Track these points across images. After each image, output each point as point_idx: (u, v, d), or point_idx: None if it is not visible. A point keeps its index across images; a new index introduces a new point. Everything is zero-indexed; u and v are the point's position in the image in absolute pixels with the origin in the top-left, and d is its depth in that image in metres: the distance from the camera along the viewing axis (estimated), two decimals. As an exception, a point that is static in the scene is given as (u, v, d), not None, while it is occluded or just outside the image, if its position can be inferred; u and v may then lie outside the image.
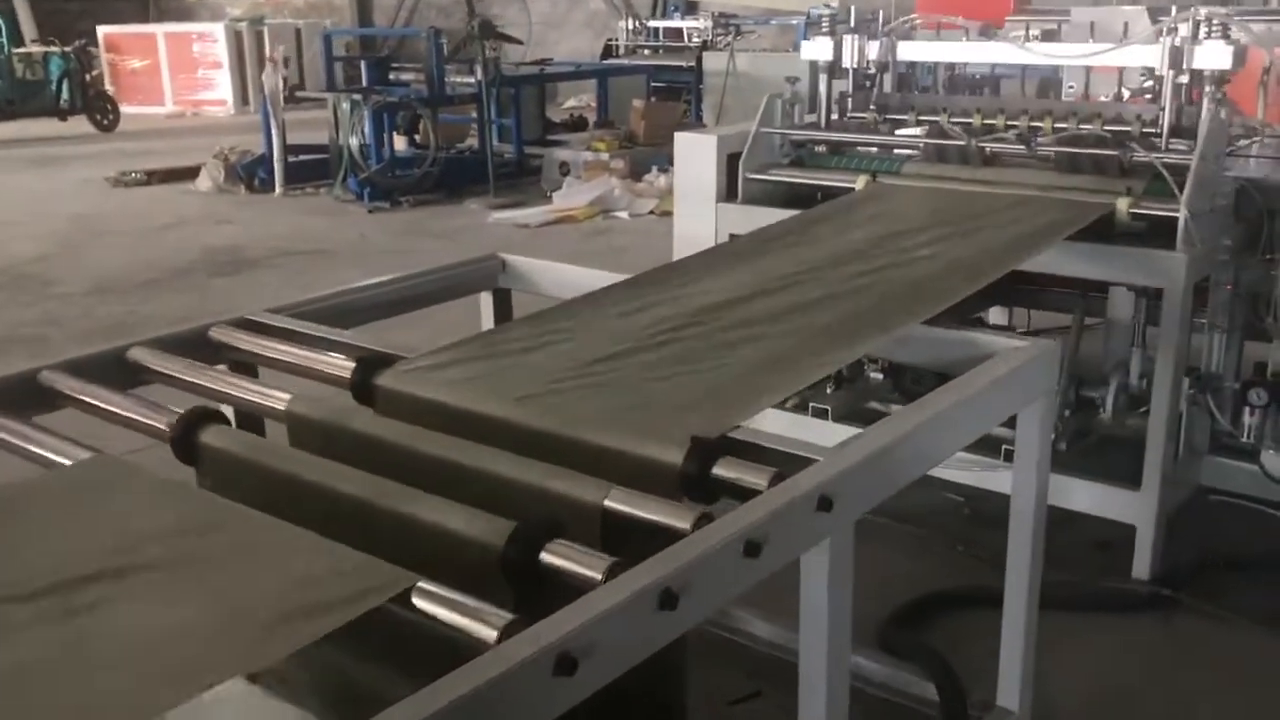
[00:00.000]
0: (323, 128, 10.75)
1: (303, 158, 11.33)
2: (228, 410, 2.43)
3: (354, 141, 10.33)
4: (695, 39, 14.61)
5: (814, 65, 4.03)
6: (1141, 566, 3.34)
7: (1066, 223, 3.07)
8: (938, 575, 3.43)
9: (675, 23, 16.32)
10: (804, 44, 4.03)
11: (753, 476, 1.77)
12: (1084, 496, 3.44)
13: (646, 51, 15.15)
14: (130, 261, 8.06)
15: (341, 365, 2.31)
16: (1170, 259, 3.10)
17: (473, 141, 11.69)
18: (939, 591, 3.23)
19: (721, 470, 1.81)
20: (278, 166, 11.03)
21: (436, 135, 10.71)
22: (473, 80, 10.75)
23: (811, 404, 3.86)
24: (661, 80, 13.69)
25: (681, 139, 4.04)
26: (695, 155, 3.96)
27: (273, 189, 11.02)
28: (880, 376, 4.06)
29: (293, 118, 11.40)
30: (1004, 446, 3.50)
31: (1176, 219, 3.09)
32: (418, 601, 1.45)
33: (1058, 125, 3.56)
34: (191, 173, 11.59)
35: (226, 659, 1.34)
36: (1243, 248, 3.42)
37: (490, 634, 1.38)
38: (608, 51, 15.69)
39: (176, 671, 1.29)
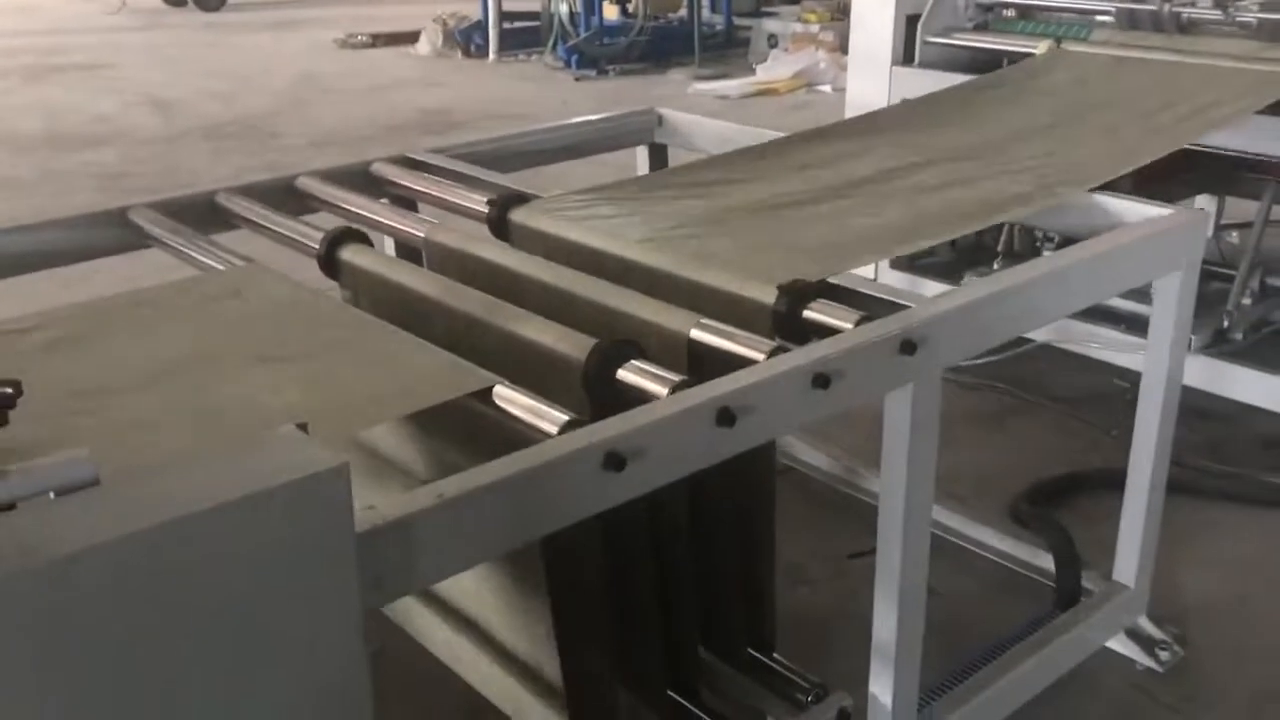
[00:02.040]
0: (539, -5, 10.93)
1: (518, 25, 11.56)
2: (386, 240, 2.63)
3: (564, 9, 10.44)
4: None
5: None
6: (1308, 466, 3.17)
7: (1255, 99, 2.87)
8: (1088, 458, 3.36)
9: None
10: (997, -100, 3.83)
11: (839, 318, 1.81)
12: (1250, 386, 3.28)
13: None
14: (348, 118, 8.51)
15: (485, 202, 2.45)
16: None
17: (685, 12, 11.61)
18: (1078, 471, 3.17)
19: (812, 313, 1.86)
20: (492, 33, 11.29)
21: (646, 4, 10.68)
22: (683, -52, 10.62)
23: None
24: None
25: (859, -1, 3.95)
26: (872, 14, 3.86)
27: (487, 55, 11.31)
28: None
29: (513, -15, 11.64)
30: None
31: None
32: (498, 399, 1.58)
33: (1270, -11, 3.29)
34: (412, 37, 12.01)
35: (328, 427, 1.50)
36: None
37: (552, 429, 1.50)
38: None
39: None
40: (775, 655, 2.07)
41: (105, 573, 0.97)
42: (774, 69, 9.70)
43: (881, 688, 2.01)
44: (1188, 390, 3.48)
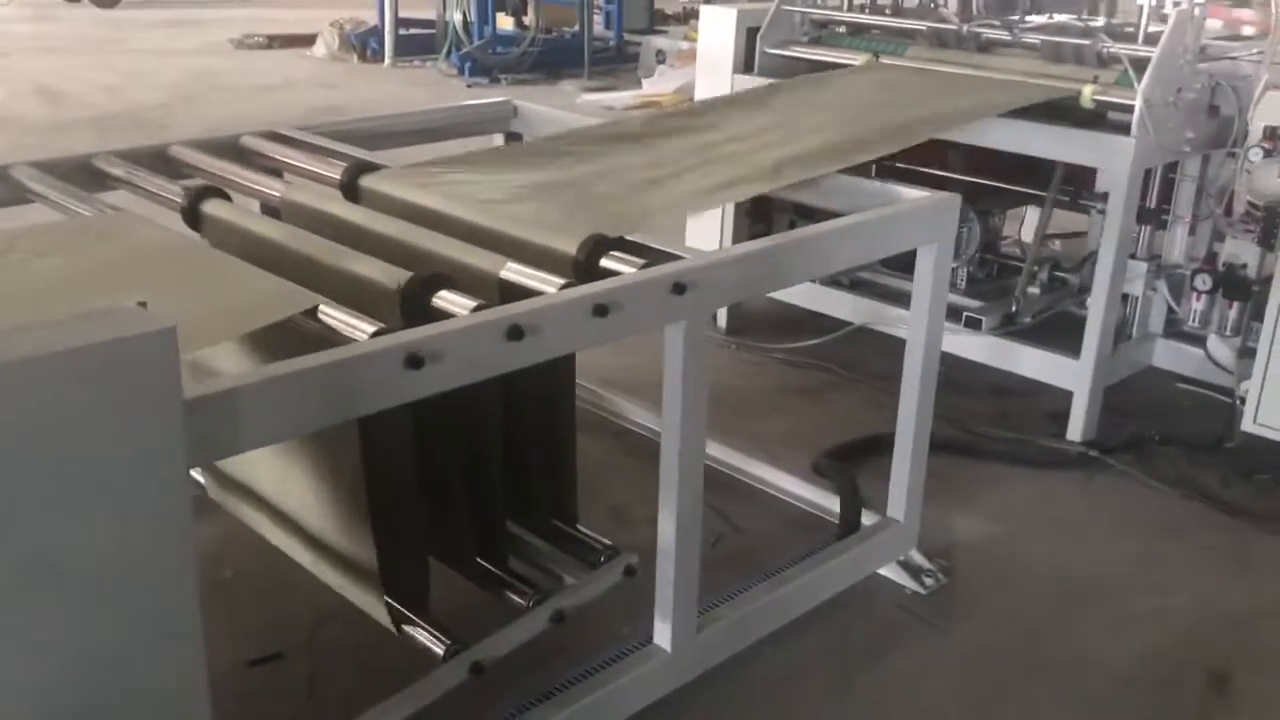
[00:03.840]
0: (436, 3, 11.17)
1: (414, 31, 11.80)
2: (253, 203, 2.90)
3: (458, 17, 10.72)
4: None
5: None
6: (1075, 430, 3.62)
7: (1021, 98, 3.33)
8: (891, 426, 3.76)
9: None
10: (830, -72, 4.26)
11: (627, 266, 2.16)
12: (1031, 362, 3.74)
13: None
14: (237, 114, 8.65)
15: (341, 171, 2.74)
16: (1119, 143, 3.32)
17: (578, 26, 11.97)
18: (876, 434, 3.56)
19: (607, 262, 2.20)
20: (388, 38, 11.50)
21: (538, 17, 11.03)
22: (575, -37, 11.00)
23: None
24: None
25: (706, 11, 4.34)
26: (717, 27, 4.25)
27: (382, 59, 11.51)
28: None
29: (411, -6, 11.87)
30: (964, 314, 3.82)
31: (1133, 107, 3.30)
32: (322, 315, 1.89)
33: (1055, 16, 3.75)
34: (309, 40, 12.15)
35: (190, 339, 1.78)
36: (1214, 142, 3.59)
37: (364, 335, 1.81)
38: (723, -56, 15.64)
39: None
40: (579, 526, 2.41)
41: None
42: (659, 83, 10.11)
43: (664, 589, 2.35)
44: (986, 369, 3.96)
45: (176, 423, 1.44)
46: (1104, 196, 3.60)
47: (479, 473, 2.21)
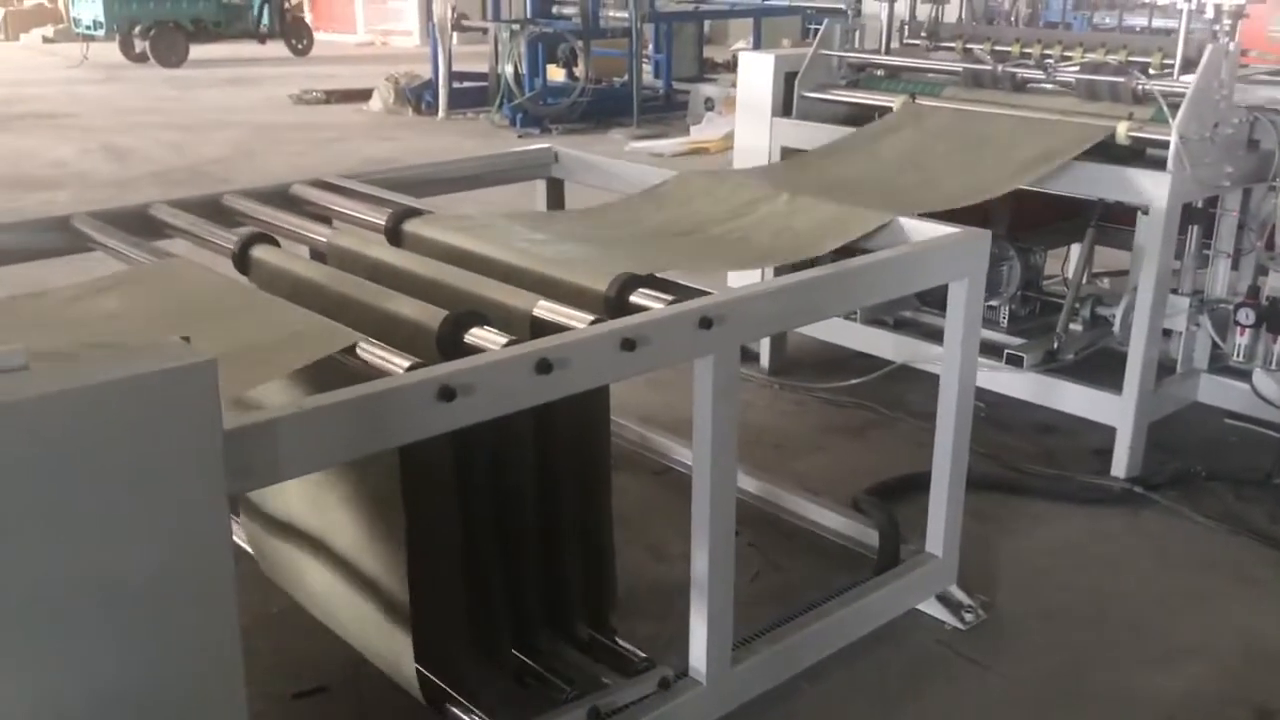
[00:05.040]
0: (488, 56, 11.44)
1: (467, 84, 12.07)
2: (302, 249, 3.00)
3: (509, 69, 10.95)
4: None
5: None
6: (1120, 467, 3.59)
7: (1064, 148, 3.35)
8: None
9: (841, -34, 16.30)
10: (865, -26, 4.33)
11: (656, 302, 2.21)
12: (1074, 399, 3.72)
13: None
14: (296, 166, 8.90)
15: (384, 216, 2.84)
16: (1156, 179, 3.33)
17: (627, 76, 12.16)
18: (916, 472, 3.56)
19: (637, 298, 2.26)
20: (442, 91, 11.77)
21: (588, 67, 11.23)
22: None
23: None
24: (818, 21, 13.78)
25: (744, 57, 4.42)
26: (755, 72, 4.33)
27: (436, 112, 11.78)
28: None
29: (466, 50, 12.16)
30: (1006, 351, 3.83)
31: (1169, 143, 3.31)
32: (360, 353, 1.96)
33: (1088, 55, 3.78)
34: (366, 94, 12.48)
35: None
36: (1254, 176, 3.58)
37: (400, 369, 1.88)
38: (772, -8, 15.83)
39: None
40: (617, 639, 2.48)
41: (25, 426, 1.34)
42: (707, 130, 10.23)
43: (698, 623, 2.37)
44: (1031, 407, 3.95)
45: (217, 451, 1.51)
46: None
47: (518, 565, 2.30)
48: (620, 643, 2.50)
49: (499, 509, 2.31)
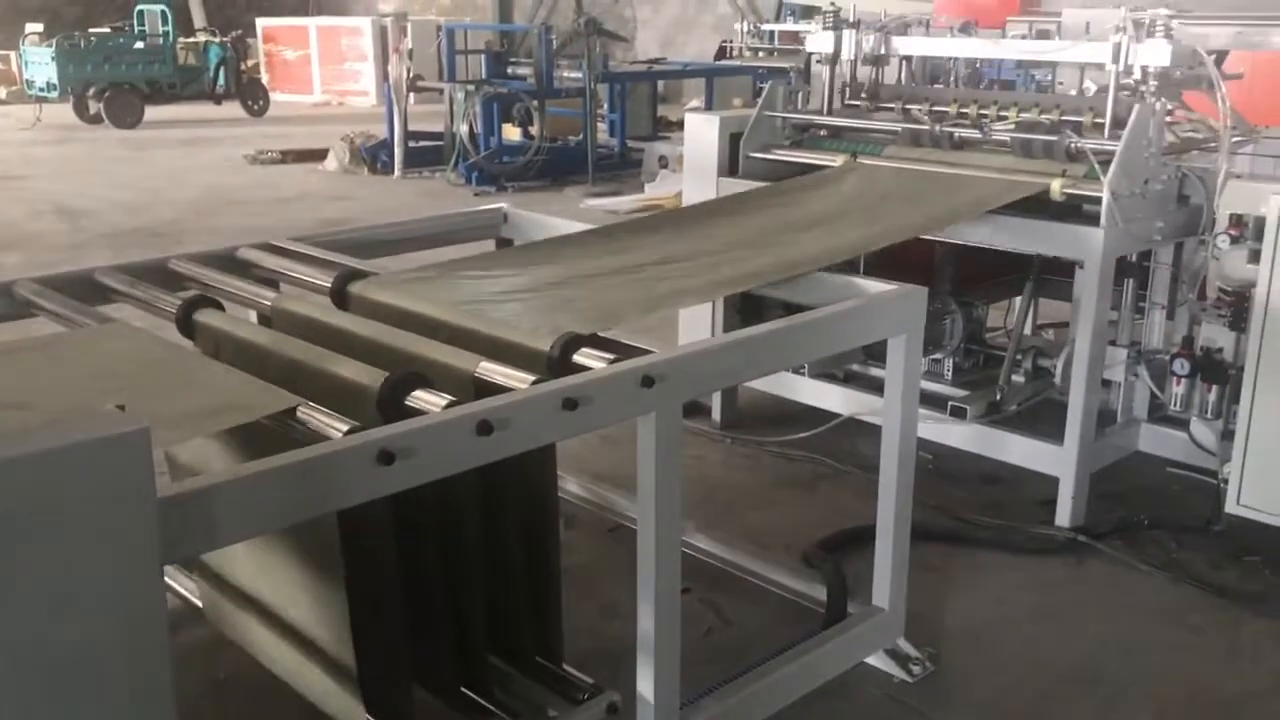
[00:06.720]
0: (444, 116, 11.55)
1: (423, 144, 12.16)
2: (252, 313, 3.00)
3: (465, 129, 11.05)
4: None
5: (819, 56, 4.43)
6: (1064, 516, 3.65)
7: (994, 197, 3.44)
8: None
9: (789, 26, 16.63)
10: (808, 38, 4.43)
11: (598, 361, 2.24)
12: (1017, 450, 3.78)
13: (761, 54, 15.51)
14: (250, 227, 8.88)
15: (331, 278, 2.86)
16: (1089, 234, 3.42)
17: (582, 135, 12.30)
18: (865, 525, 3.60)
19: (579, 358, 2.28)
20: (398, 150, 11.85)
21: (543, 126, 11.35)
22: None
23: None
24: (768, 81, 14.03)
25: (690, 119, 4.50)
26: (701, 133, 4.41)
27: (392, 171, 11.84)
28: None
29: (422, 109, 12.26)
30: (950, 403, 3.88)
31: (1101, 199, 3.40)
32: (300, 416, 1.97)
33: (1023, 115, 3.89)
34: (321, 154, 12.53)
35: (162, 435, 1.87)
36: (1185, 230, 3.68)
37: (338, 433, 1.88)
38: (721, 53, 16.10)
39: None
40: (564, 666, 2.46)
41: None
42: (661, 187, 10.36)
43: (645, 682, 2.37)
44: (978, 459, 4.01)
45: (150, 519, 1.51)
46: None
47: (463, 599, 2.29)
48: (567, 669, 2.49)
49: (442, 557, 2.29)
